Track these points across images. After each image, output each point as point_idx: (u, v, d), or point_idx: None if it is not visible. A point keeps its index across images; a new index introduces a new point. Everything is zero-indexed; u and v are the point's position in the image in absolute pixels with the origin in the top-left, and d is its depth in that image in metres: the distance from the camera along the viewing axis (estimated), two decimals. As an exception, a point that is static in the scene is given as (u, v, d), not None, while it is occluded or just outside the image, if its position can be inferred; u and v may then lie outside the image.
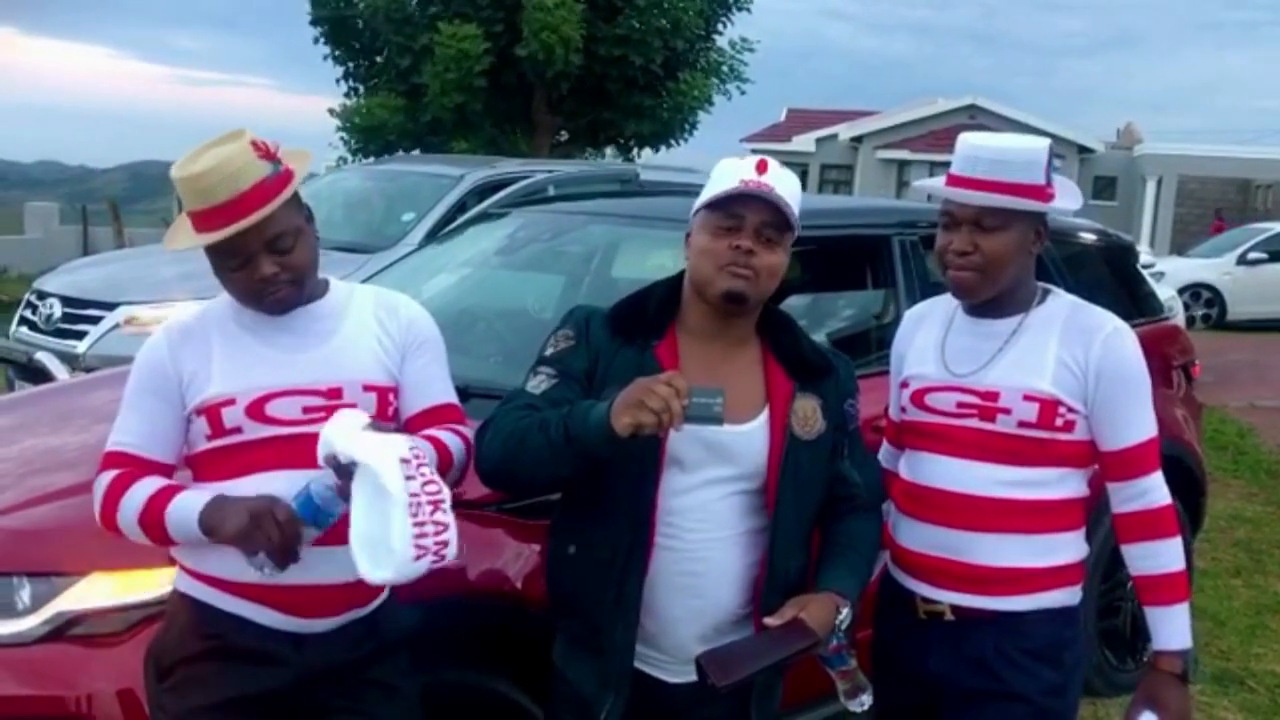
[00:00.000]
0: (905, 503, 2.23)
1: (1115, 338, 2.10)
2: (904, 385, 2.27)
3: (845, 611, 2.01)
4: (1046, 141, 2.14)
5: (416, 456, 1.78)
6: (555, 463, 1.89)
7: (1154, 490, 2.11)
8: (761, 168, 1.96)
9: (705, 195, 2.00)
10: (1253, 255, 16.75)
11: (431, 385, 2.11)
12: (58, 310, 6.53)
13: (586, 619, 2.04)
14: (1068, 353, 2.09)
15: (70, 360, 6.13)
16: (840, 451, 2.11)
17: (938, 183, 2.14)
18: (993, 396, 2.10)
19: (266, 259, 1.90)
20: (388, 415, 2.04)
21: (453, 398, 2.15)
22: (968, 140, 2.12)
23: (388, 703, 2.05)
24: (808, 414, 2.05)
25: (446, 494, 1.79)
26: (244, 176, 1.86)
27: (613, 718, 2.02)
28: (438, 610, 2.35)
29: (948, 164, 2.13)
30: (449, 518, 1.77)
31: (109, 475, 1.95)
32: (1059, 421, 2.08)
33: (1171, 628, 2.10)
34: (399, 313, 2.11)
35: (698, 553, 1.99)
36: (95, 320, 6.34)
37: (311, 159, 2.04)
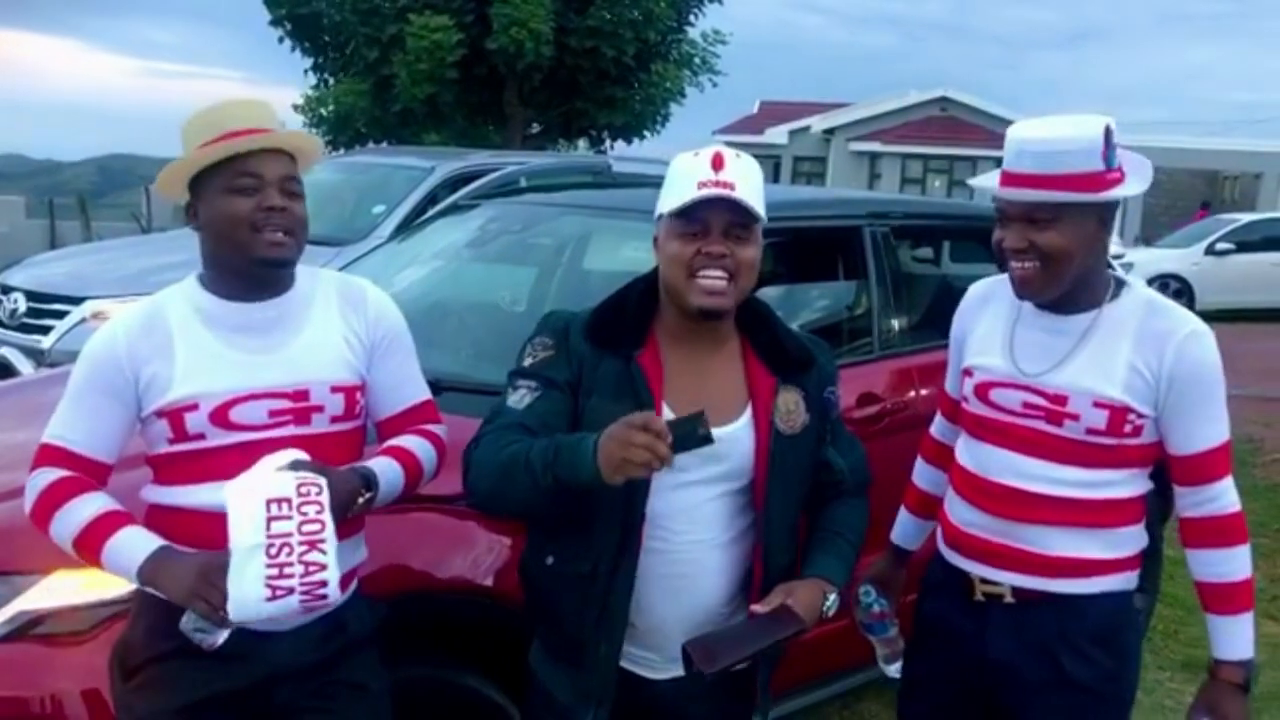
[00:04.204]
0: (964, 488, 2.14)
1: (1191, 342, 1.98)
2: (967, 374, 2.19)
3: (832, 598, 2.00)
4: (1103, 121, 1.97)
5: (302, 496, 1.76)
6: (544, 500, 1.84)
7: (1224, 496, 2.03)
8: (718, 163, 1.88)
9: (666, 201, 1.94)
10: (1221, 246, 16.90)
11: (405, 386, 2.11)
12: (23, 305, 6.45)
13: (565, 632, 2.00)
14: (1141, 359, 1.99)
15: (35, 355, 6.08)
16: (824, 439, 2.09)
17: (991, 182, 2.03)
18: (1061, 400, 2.02)
19: (278, 191, 1.90)
20: (354, 414, 2.02)
21: (425, 394, 2.15)
22: (1014, 133, 2.00)
23: (358, 703, 2.02)
24: (790, 408, 2.01)
25: (329, 535, 1.77)
26: (265, 119, 1.94)
27: None
28: (407, 605, 2.33)
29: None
30: (328, 558, 1.77)
31: (47, 476, 1.89)
32: (1128, 428, 2.00)
33: (1235, 637, 2.03)
34: (366, 307, 2.06)
35: (687, 554, 1.97)
36: (61, 315, 6.25)
37: (319, 148, 2.09)
